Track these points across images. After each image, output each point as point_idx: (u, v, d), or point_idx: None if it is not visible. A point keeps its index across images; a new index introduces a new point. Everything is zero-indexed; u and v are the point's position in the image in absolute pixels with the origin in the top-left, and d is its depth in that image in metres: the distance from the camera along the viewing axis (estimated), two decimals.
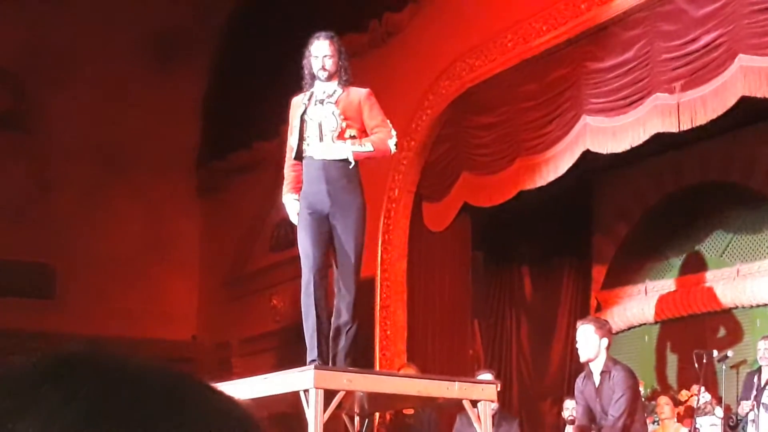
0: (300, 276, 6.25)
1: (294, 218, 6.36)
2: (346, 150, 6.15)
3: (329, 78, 6.29)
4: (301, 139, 6.24)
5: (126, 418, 0.67)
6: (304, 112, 6.25)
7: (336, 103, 6.23)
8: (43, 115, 15.45)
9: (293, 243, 6.50)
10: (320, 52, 6.28)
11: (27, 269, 15.44)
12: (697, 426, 9.03)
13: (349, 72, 6.37)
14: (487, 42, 10.82)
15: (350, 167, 6.18)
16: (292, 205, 6.37)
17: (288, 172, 6.45)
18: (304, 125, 6.24)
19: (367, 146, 6.20)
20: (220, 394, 0.73)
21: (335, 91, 6.27)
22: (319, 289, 6.14)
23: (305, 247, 6.19)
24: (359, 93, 6.33)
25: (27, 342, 12.96)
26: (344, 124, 6.20)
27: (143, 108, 15.81)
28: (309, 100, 6.28)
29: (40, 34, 15.10)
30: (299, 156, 6.27)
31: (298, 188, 6.36)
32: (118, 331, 14.63)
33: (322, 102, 6.26)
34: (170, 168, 16.41)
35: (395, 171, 11.88)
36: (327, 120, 6.21)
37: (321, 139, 6.20)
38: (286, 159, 6.46)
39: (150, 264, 16.07)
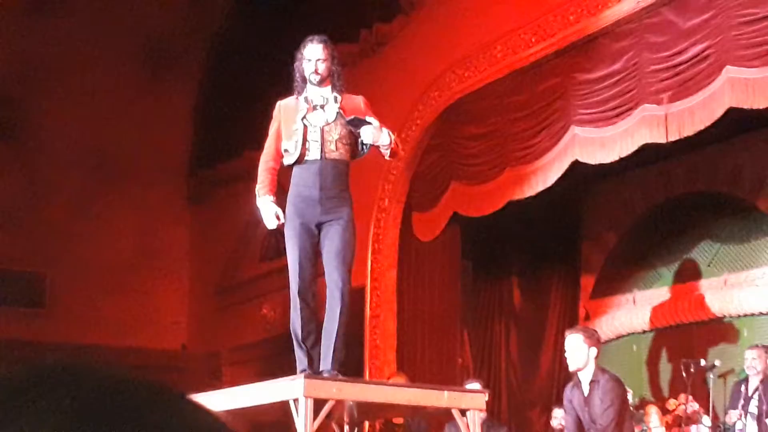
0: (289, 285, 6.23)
1: (270, 222, 6.09)
2: (391, 137, 6.10)
3: (321, 82, 6.10)
4: (303, 143, 6.04)
5: (109, 428, 0.68)
6: (304, 117, 6.07)
7: (342, 108, 6.09)
8: (33, 123, 15.44)
9: (283, 252, 6.33)
10: (313, 55, 6.09)
11: (18, 278, 15.41)
12: None
13: (342, 77, 6.21)
14: (477, 53, 10.87)
15: (345, 174, 6.08)
16: (270, 208, 6.06)
17: (265, 174, 6.15)
18: (306, 130, 6.05)
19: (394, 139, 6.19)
20: (201, 408, 0.75)
21: (336, 97, 6.11)
22: (308, 298, 6.08)
23: (293, 256, 6.05)
24: (358, 99, 6.24)
25: (17, 351, 12.99)
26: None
27: (134, 117, 15.81)
28: (306, 104, 6.09)
29: (31, 43, 15.10)
30: (300, 160, 6.04)
31: (273, 191, 6.14)
32: (108, 339, 14.66)
33: (322, 107, 6.08)
34: (161, 177, 16.41)
35: (385, 181, 11.92)
36: (331, 126, 6.05)
37: (322, 145, 6.00)
38: (263, 161, 6.19)
39: (140, 273, 16.06)
